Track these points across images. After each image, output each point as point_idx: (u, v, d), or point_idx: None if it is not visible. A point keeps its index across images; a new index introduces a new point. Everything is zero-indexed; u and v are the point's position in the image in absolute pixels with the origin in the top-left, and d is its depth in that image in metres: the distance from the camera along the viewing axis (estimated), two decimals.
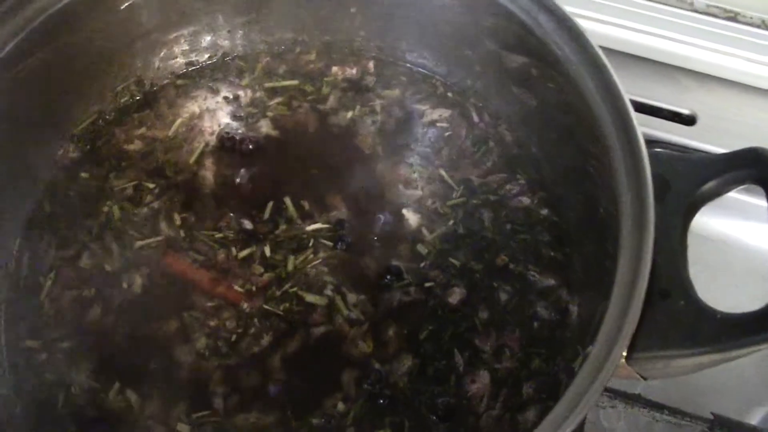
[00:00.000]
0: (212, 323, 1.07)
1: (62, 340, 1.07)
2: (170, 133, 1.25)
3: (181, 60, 1.32)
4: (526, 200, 1.18)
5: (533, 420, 1.01)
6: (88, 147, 1.23)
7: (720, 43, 1.45)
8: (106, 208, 1.17)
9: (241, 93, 1.30)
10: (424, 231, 1.16)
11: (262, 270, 1.12)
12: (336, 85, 1.31)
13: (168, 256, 1.13)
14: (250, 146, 1.24)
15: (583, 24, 1.04)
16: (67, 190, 1.19)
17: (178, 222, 1.16)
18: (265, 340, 1.06)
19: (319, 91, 1.31)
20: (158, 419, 1.01)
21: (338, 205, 1.17)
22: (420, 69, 1.33)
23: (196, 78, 1.32)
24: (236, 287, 1.10)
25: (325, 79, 1.32)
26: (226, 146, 1.24)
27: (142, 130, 1.25)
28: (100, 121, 1.25)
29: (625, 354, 0.83)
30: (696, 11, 1.49)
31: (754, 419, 1.23)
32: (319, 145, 1.25)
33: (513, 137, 1.24)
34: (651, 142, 1.33)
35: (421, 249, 1.14)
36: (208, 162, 1.22)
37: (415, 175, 1.21)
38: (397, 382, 1.03)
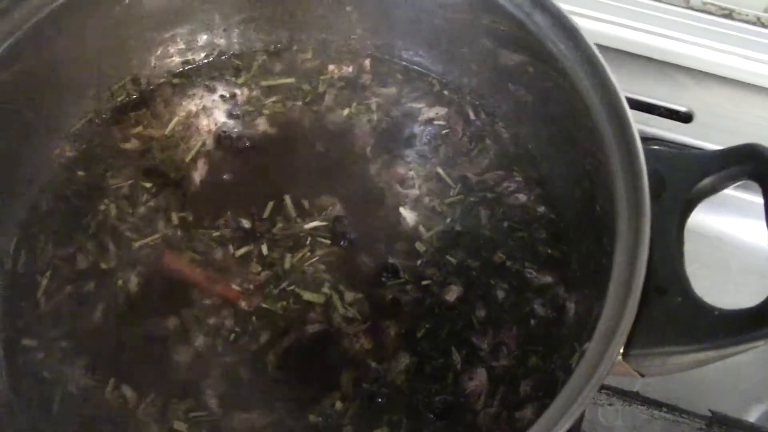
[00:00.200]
0: (210, 321, 1.07)
1: (59, 339, 1.07)
2: (167, 131, 1.25)
3: (177, 58, 1.31)
4: (523, 198, 1.18)
5: (530, 417, 1.01)
6: (85, 146, 1.23)
7: (716, 40, 1.45)
8: (102, 207, 1.17)
9: (237, 91, 1.30)
10: (421, 229, 1.16)
11: (259, 268, 1.12)
12: (332, 83, 1.31)
13: (165, 254, 1.13)
14: (247, 144, 1.24)
15: (579, 21, 1.04)
16: (63, 189, 1.19)
17: (175, 221, 1.16)
18: (263, 338, 1.06)
19: (315, 89, 1.30)
20: (156, 418, 1.01)
21: (335, 203, 1.17)
22: (416, 67, 1.33)
23: (192, 76, 1.32)
24: (234, 286, 1.10)
25: (322, 77, 1.32)
26: (223, 145, 1.24)
27: (139, 128, 1.25)
28: (97, 119, 1.25)
29: (622, 351, 0.83)
30: (692, 9, 1.50)
31: (752, 416, 1.23)
32: (316, 143, 1.25)
33: (509, 135, 1.24)
34: (647, 140, 1.34)
35: (419, 247, 1.14)
36: (205, 160, 1.22)
37: (412, 173, 1.21)
38: (395, 380, 1.03)
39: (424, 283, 1.11)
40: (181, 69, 1.32)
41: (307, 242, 1.14)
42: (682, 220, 0.92)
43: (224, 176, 1.21)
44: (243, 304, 1.09)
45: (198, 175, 1.21)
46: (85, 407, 1.02)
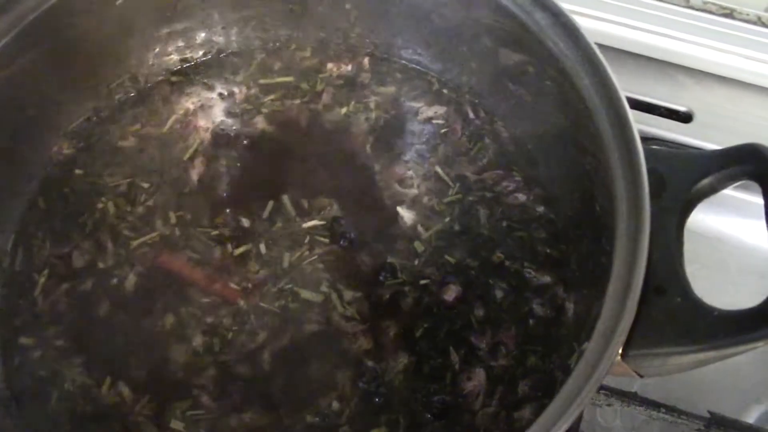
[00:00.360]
0: (208, 320, 1.07)
1: (56, 337, 1.07)
2: (165, 129, 1.25)
3: (175, 56, 1.31)
4: (522, 197, 1.18)
5: (529, 417, 1.01)
6: (83, 144, 1.23)
7: (716, 40, 1.45)
8: (100, 205, 1.17)
9: (235, 89, 1.30)
10: (420, 228, 1.15)
11: (258, 267, 1.11)
12: (331, 81, 1.31)
13: (163, 253, 1.13)
14: (245, 143, 1.24)
15: (579, 21, 1.04)
16: (61, 187, 1.19)
17: (172, 219, 1.16)
18: (261, 337, 1.06)
19: (314, 87, 1.30)
20: (152, 416, 1.01)
21: (333, 202, 1.17)
22: (415, 66, 1.32)
23: (190, 74, 1.32)
24: (232, 284, 1.10)
25: (320, 75, 1.32)
26: (221, 143, 1.23)
27: (137, 126, 1.25)
28: (95, 117, 1.25)
29: (621, 351, 0.83)
30: (692, 8, 1.49)
31: (750, 417, 1.23)
32: (314, 142, 1.25)
33: (509, 134, 1.24)
34: (647, 140, 1.33)
35: (417, 246, 1.13)
36: (203, 159, 1.22)
37: (411, 173, 1.21)
38: (393, 380, 1.03)
39: (423, 282, 1.11)
40: (179, 67, 1.32)
41: (306, 241, 1.14)
42: (681, 220, 0.92)
43: (222, 174, 1.21)
44: (241, 303, 1.09)
45: (196, 173, 1.20)
46: (82, 405, 1.02)
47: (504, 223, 1.16)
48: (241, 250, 1.13)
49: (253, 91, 1.30)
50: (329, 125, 1.26)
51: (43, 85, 1.15)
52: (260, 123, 1.26)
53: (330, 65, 1.33)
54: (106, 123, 1.25)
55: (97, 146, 1.23)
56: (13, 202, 1.16)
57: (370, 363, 1.04)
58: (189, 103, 1.28)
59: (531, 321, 1.08)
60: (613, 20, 1.47)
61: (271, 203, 1.17)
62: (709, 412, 1.21)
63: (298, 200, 1.17)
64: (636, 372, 0.88)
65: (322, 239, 1.14)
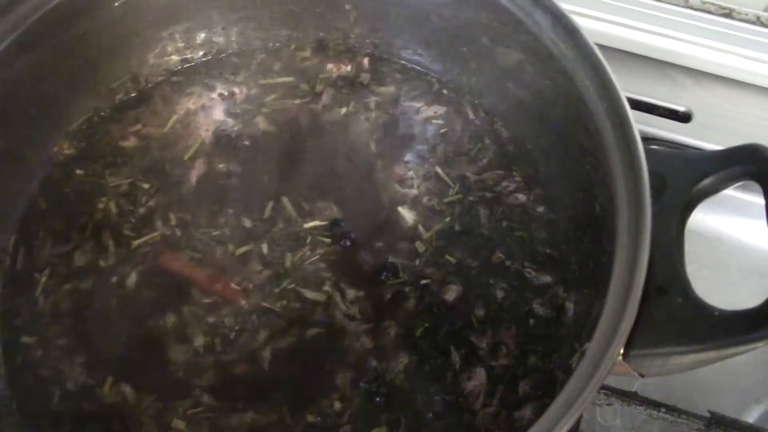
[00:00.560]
0: (209, 320, 1.07)
1: (58, 337, 1.07)
2: (166, 129, 1.25)
3: (175, 57, 1.31)
4: (522, 197, 1.18)
5: (529, 417, 1.01)
6: (84, 144, 1.22)
7: (715, 39, 1.45)
8: (101, 205, 1.17)
9: (236, 90, 1.30)
10: (420, 228, 1.16)
11: (260, 267, 1.11)
12: (331, 82, 1.31)
13: (164, 253, 1.13)
14: (246, 143, 1.24)
15: (579, 21, 1.04)
16: (62, 187, 1.19)
17: (173, 219, 1.16)
18: (263, 337, 1.06)
19: (313, 88, 1.30)
20: (154, 416, 1.01)
21: (334, 202, 1.17)
22: (415, 66, 1.33)
23: (191, 75, 1.31)
24: (234, 284, 1.10)
25: (320, 76, 1.32)
26: (222, 143, 1.23)
27: (138, 126, 1.25)
28: (95, 117, 1.25)
29: (621, 351, 0.83)
30: (691, 8, 1.49)
31: (751, 417, 1.23)
32: (315, 142, 1.25)
33: (509, 134, 1.24)
34: (647, 140, 1.33)
35: (418, 246, 1.14)
36: (204, 159, 1.22)
37: (411, 173, 1.21)
38: (394, 379, 1.03)
39: (424, 282, 1.11)
40: (179, 67, 1.32)
41: (308, 241, 1.14)
42: (682, 220, 0.92)
43: (223, 174, 1.21)
44: (243, 303, 1.09)
45: (197, 173, 1.20)
46: (84, 405, 1.02)
47: (504, 223, 1.16)
48: (242, 250, 1.13)
49: (253, 91, 1.30)
50: (329, 125, 1.26)
51: (44, 86, 1.15)
52: (261, 123, 1.26)
53: (330, 65, 1.33)
54: (107, 123, 1.25)
55: (98, 146, 1.23)
56: (14, 201, 1.16)
57: (371, 362, 1.04)
58: (190, 104, 1.28)
59: (531, 321, 1.08)
60: (613, 20, 1.47)
61: (271, 203, 1.17)
62: (709, 411, 1.21)
63: (299, 200, 1.17)
64: (637, 372, 0.88)
65: (323, 239, 1.14)
